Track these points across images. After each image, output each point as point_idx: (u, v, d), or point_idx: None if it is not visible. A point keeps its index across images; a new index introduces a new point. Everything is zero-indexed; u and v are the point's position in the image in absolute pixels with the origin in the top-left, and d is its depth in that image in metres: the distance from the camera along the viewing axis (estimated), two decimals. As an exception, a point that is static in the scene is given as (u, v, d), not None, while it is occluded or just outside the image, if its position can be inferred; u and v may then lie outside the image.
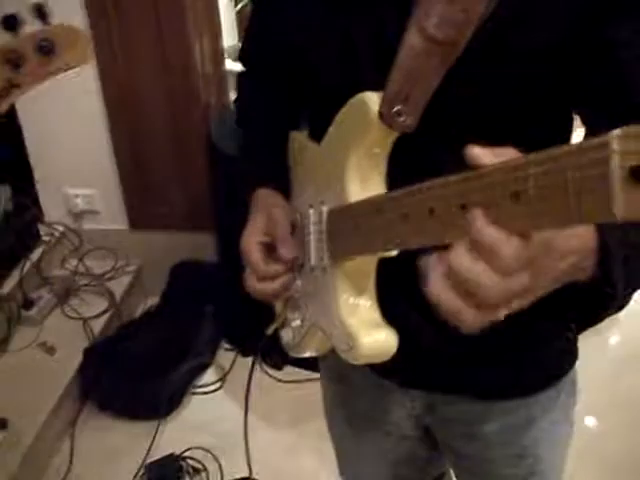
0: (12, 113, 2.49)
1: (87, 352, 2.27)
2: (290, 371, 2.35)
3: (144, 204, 2.64)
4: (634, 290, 0.62)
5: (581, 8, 0.64)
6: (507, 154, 0.47)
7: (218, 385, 2.34)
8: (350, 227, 0.70)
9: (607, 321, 0.64)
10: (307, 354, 0.91)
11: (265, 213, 0.87)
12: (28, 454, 1.96)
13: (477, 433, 0.94)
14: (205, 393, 2.32)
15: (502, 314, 0.51)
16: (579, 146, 0.42)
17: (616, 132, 0.40)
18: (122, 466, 2.05)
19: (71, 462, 2.08)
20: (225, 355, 2.46)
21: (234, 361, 2.39)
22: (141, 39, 2.30)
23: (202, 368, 2.39)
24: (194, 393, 2.33)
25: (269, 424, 2.15)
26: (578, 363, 0.95)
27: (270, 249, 0.85)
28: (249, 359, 2.36)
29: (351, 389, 1.04)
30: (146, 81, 2.38)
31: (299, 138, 0.92)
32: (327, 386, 1.12)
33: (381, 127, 0.71)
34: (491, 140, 0.49)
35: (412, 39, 0.68)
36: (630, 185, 0.39)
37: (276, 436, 2.13)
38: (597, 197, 0.40)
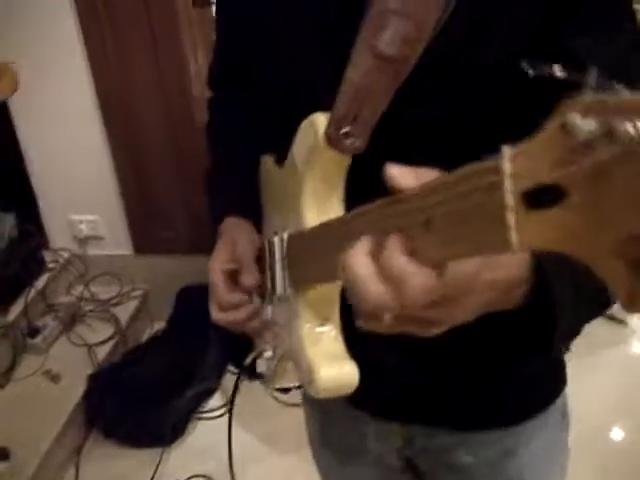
0: (15, 140, 2.51)
1: (91, 379, 2.25)
2: (297, 394, 2.31)
3: (148, 229, 2.63)
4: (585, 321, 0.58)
5: (538, 20, 0.61)
6: (429, 175, 0.44)
7: (224, 410, 2.30)
8: (308, 254, 0.68)
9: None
10: (285, 385, 0.88)
11: (230, 241, 0.84)
12: (31, 484, 1.94)
13: (458, 464, 0.90)
14: (211, 418, 2.29)
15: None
16: (476, 168, 0.38)
17: (507, 150, 0.36)
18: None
19: (76, 491, 2.06)
20: (231, 379, 2.42)
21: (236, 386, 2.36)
22: (137, 62, 2.30)
23: (208, 393, 2.36)
24: (200, 418, 2.30)
25: (274, 448, 2.12)
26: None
27: (236, 277, 0.82)
28: (256, 383, 2.33)
29: (331, 418, 1.01)
30: (145, 107, 2.38)
31: (267, 162, 0.89)
32: (309, 413, 1.09)
33: (329, 150, 0.67)
34: (445, 159, 0.46)
35: (360, 57, 0.65)
36: (524, 212, 0.35)
37: (280, 460, 2.09)
38: (493, 226, 0.36)
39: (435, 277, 0.44)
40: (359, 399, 0.73)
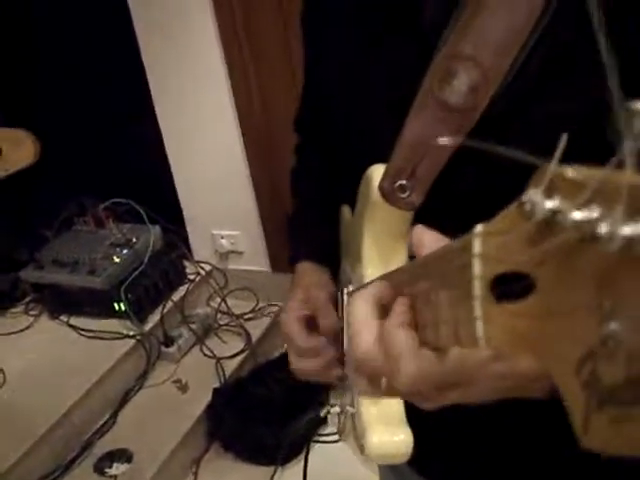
0: (165, 160, 2.65)
1: (216, 392, 2.30)
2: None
3: (285, 247, 2.65)
4: None
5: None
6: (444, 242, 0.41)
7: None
8: None
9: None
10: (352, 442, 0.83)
11: (303, 285, 0.80)
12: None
13: None
14: (327, 442, 2.25)
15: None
16: (452, 246, 0.34)
17: (478, 227, 0.31)
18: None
19: (190, 501, 2.11)
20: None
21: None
22: (277, 93, 2.35)
23: (326, 418, 2.32)
24: (316, 441, 2.27)
25: None
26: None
27: (312, 325, 0.77)
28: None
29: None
30: (284, 133, 2.41)
31: (345, 212, 0.85)
32: (382, 475, 1.02)
33: (382, 204, 0.64)
34: None
35: (422, 105, 0.60)
36: (493, 302, 0.30)
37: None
38: (464, 314, 0.32)
39: (434, 361, 0.40)
40: (428, 469, 0.70)
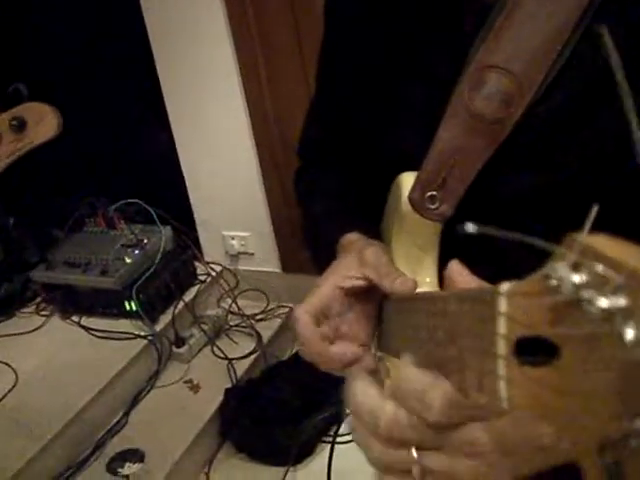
0: (176, 161, 2.65)
1: (228, 392, 2.30)
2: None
3: (296, 248, 2.65)
4: None
5: None
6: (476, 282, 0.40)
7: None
8: (389, 325, 0.60)
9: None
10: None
11: (355, 254, 0.63)
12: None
13: None
14: (339, 443, 2.24)
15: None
16: (471, 293, 0.33)
17: (504, 286, 0.29)
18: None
19: (202, 500, 2.10)
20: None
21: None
22: (288, 90, 2.35)
23: (338, 418, 2.32)
24: (328, 442, 2.26)
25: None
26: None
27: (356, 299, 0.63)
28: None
29: None
30: (296, 133, 2.41)
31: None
32: None
33: (412, 214, 0.62)
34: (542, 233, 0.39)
35: (454, 115, 0.59)
36: (516, 365, 0.28)
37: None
38: (488, 368, 0.30)
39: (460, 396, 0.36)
40: None
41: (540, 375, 0.27)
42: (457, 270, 0.42)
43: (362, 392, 0.42)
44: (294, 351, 2.65)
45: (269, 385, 2.36)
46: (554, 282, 0.25)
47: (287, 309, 2.70)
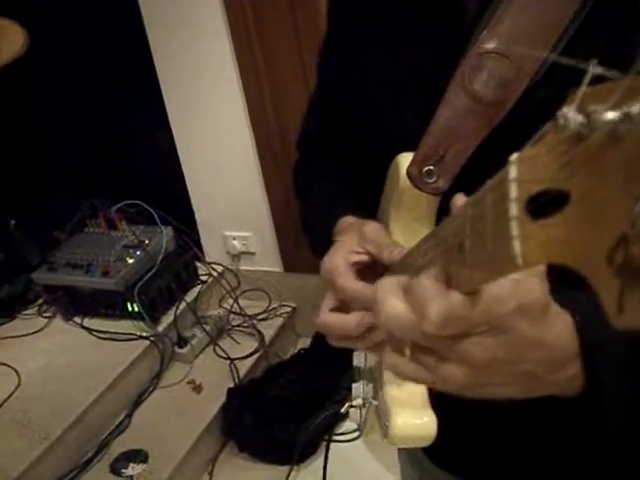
0: (177, 162, 2.66)
1: (231, 392, 2.30)
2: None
3: (297, 248, 2.66)
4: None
5: None
6: None
7: (357, 434, 2.25)
8: None
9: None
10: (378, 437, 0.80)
11: (355, 231, 0.66)
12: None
13: None
14: (343, 441, 2.25)
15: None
16: (490, 183, 0.35)
17: (513, 156, 0.32)
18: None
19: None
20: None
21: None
22: (287, 85, 2.35)
23: (342, 416, 2.32)
24: (332, 441, 2.26)
25: None
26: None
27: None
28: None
29: (425, 476, 0.91)
30: (295, 127, 2.41)
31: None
32: (403, 469, 1.00)
33: (410, 189, 0.65)
34: None
35: (453, 96, 0.61)
36: (529, 221, 0.31)
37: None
38: (500, 239, 0.32)
39: (464, 302, 0.38)
40: (449, 462, 0.69)
41: (554, 221, 0.30)
42: (460, 197, 0.44)
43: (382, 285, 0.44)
44: (296, 350, 2.65)
45: (271, 384, 2.37)
46: (562, 121, 0.28)
47: (289, 308, 2.71)
